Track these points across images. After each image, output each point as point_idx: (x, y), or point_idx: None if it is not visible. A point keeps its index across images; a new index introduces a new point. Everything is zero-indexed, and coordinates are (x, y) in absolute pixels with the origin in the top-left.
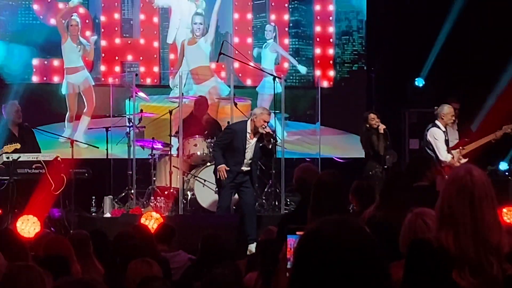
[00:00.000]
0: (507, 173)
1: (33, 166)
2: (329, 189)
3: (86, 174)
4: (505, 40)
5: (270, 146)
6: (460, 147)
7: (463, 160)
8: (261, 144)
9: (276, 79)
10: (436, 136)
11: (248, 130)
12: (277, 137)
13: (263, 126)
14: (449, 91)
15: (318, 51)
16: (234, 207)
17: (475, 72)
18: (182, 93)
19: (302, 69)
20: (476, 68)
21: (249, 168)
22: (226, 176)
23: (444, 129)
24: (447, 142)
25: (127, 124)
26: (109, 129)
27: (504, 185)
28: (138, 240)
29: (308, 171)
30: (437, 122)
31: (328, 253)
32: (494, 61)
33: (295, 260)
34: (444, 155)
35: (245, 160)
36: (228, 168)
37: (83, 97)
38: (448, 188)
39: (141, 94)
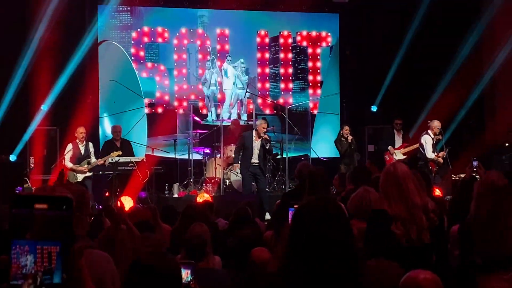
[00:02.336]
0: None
1: (129, 165)
2: (317, 178)
3: (162, 170)
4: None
5: (267, 147)
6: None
7: (403, 157)
8: (262, 145)
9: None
10: (426, 141)
11: (254, 135)
12: (272, 140)
13: (264, 132)
14: (393, 113)
15: (310, 91)
16: (256, 190)
17: (411, 99)
18: (222, 117)
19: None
20: (412, 97)
21: (258, 162)
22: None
23: (432, 136)
24: (434, 145)
25: (188, 137)
26: (176, 140)
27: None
28: (198, 210)
29: (304, 166)
30: (428, 131)
31: (313, 219)
32: (424, 91)
33: (292, 223)
34: (429, 154)
35: (254, 155)
36: (238, 164)
37: None
38: (383, 176)
39: (196, 118)
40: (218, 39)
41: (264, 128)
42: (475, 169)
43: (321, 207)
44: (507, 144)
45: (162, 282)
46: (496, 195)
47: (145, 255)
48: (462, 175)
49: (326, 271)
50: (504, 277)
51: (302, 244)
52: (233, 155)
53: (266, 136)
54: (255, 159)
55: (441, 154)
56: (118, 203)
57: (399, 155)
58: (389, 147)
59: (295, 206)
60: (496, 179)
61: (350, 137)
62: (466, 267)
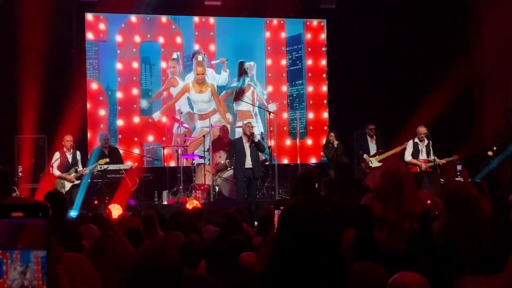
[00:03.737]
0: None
1: (119, 173)
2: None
3: (151, 177)
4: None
5: (256, 140)
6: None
7: (379, 164)
8: (253, 141)
9: (270, 113)
10: (408, 145)
11: (243, 138)
12: (259, 139)
13: (249, 129)
14: (376, 119)
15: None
16: (245, 195)
17: (399, 104)
18: (211, 124)
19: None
20: (400, 101)
21: (251, 166)
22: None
23: (416, 141)
24: (416, 149)
25: (176, 144)
26: (165, 147)
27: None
28: (185, 218)
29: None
30: (416, 137)
31: (298, 220)
32: (412, 95)
33: (278, 224)
34: (405, 156)
35: (247, 157)
36: (228, 163)
37: None
38: (382, 176)
39: (185, 125)
40: (196, 33)
41: (249, 126)
42: (458, 173)
43: (311, 206)
44: (495, 148)
45: (163, 281)
46: (460, 204)
47: (147, 256)
48: None
49: (321, 269)
50: (478, 280)
51: (294, 243)
52: (222, 162)
53: (252, 131)
54: (248, 162)
55: (438, 159)
56: (107, 211)
57: (375, 163)
58: (365, 156)
59: (281, 207)
60: (458, 188)
61: (336, 142)
62: (442, 270)
